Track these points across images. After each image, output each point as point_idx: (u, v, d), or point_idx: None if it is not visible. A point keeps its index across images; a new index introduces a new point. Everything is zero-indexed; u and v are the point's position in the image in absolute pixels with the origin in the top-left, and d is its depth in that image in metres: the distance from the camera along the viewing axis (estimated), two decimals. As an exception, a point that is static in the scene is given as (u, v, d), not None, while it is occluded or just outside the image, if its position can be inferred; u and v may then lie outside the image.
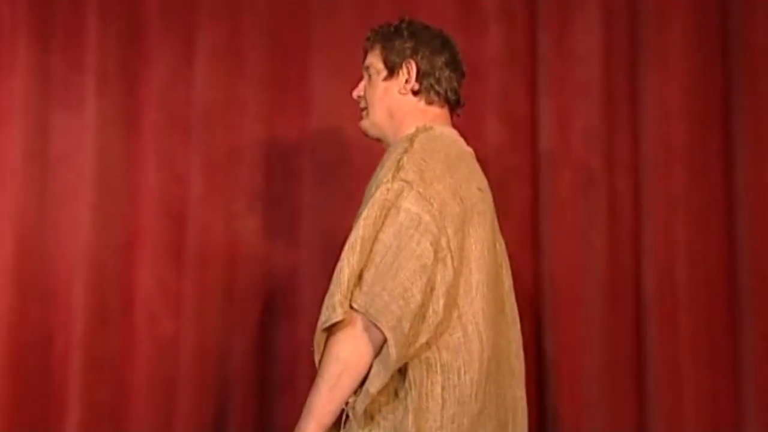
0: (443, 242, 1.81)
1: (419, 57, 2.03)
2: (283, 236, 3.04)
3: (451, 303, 1.83)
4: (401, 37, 2.04)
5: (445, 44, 2.07)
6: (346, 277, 1.78)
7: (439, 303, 1.79)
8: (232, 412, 2.98)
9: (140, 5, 3.08)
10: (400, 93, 2.04)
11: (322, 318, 1.78)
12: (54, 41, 3.04)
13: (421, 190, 1.82)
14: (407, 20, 2.09)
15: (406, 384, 1.83)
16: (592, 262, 2.92)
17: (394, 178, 1.83)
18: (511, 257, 2.92)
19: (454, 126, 2.09)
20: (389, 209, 1.81)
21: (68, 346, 2.97)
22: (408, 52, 2.03)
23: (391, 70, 2.04)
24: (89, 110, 3.01)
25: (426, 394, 1.82)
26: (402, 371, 1.83)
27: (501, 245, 2.07)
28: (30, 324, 2.97)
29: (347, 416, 1.84)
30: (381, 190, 1.83)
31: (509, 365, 2.00)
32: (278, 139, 3.06)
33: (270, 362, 3.00)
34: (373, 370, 1.79)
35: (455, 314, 1.84)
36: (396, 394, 1.84)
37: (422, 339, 1.79)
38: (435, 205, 1.82)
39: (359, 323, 1.78)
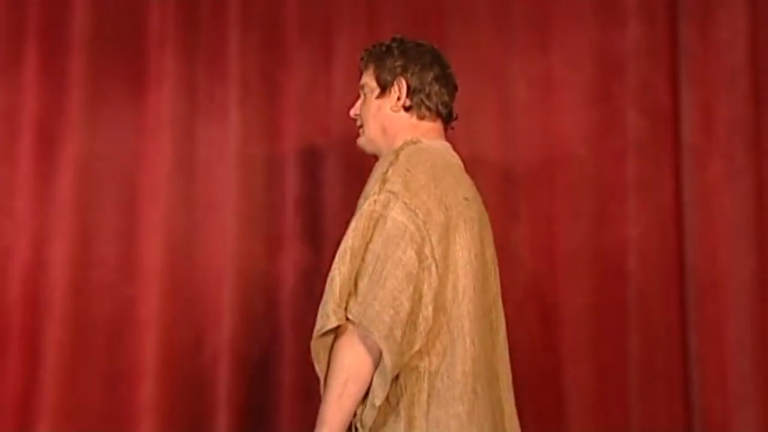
0: (427, 251, 1.85)
1: (409, 74, 2.10)
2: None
3: (440, 308, 1.87)
4: (392, 56, 2.11)
5: (434, 60, 2.13)
6: (337, 287, 1.84)
7: (428, 309, 1.84)
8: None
9: (280, 15, 3.14)
10: (392, 110, 2.11)
11: (317, 326, 1.86)
12: (199, 54, 3.12)
13: (406, 200, 1.87)
14: (398, 39, 2.15)
15: (398, 391, 1.88)
16: (740, 255, 2.85)
17: (380, 190, 1.89)
18: (654, 252, 2.91)
19: (449, 138, 2.16)
20: (377, 220, 1.87)
21: (217, 349, 3.05)
22: (398, 70, 2.10)
23: (383, 88, 2.12)
24: (232, 119, 3.09)
25: (414, 401, 1.87)
26: (394, 379, 1.87)
27: (491, 252, 2.10)
28: (180, 328, 3.05)
29: (356, 428, 1.89)
30: (369, 201, 1.89)
31: (493, 368, 2.03)
32: (416, 141, 3.08)
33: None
34: (374, 382, 1.85)
35: (444, 319, 1.88)
36: (389, 402, 1.89)
37: (416, 346, 1.85)
38: (420, 214, 1.87)
39: (357, 333, 1.84)
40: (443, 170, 1.98)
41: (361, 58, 2.18)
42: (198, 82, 3.12)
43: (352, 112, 2.23)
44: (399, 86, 2.10)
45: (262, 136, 3.11)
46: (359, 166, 3.05)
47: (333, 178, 3.07)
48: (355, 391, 1.84)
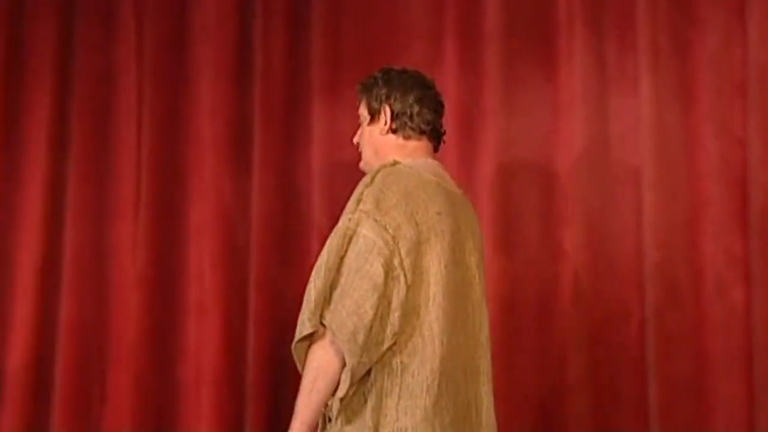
0: (396, 262, 2.07)
1: (392, 101, 2.34)
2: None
3: (411, 313, 2.10)
4: (377, 86, 2.36)
5: (415, 84, 2.36)
6: (312, 297, 2.06)
7: (395, 315, 2.06)
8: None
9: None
10: (381, 134, 2.35)
11: (296, 333, 2.09)
12: (607, 24, 3.18)
13: (377, 218, 2.09)
14: (385, 69, 2.40)
15: (368, 386, 2.10)
16: None
17: (355, 210, 2.11)
18: None
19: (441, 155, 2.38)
20: (351, 237, 2.09)
21: (641, 321, 3.06)
22: (383, 97, 2.35)
23: (372, 116, 2.37)
24: (643, 88, 3.10)
25: (385, 394, 2.09)
26: (368, 375, 2.10)
27: (476, 258, 2.28)
28: (603, 303, 3.10)
29: (328, 418, 2.12)
30: (343, 220, 2.12)
31: (473, 365, 2.23)
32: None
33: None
34: (341, 378, 2.07)
35: (417, 323, 2.11)
36: (364, 396, 2.10)
37: (384, 346, 2.07)
38: (390, 230, 2.08)
39: (328, 336, 2.07)
40: (416, 189, 2.17)
41: (357, 91, 2.43)
42: (607, 53, 3.17)
43: (354, 140, 2.45)
44: (384, 112, 2.34)
45: (675, 99, 3.09)
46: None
47: (750, 134, 2.99)
48: (322, 387, 2.08)
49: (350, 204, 2.15)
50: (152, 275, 3.48)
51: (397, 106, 2.33)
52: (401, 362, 2.10)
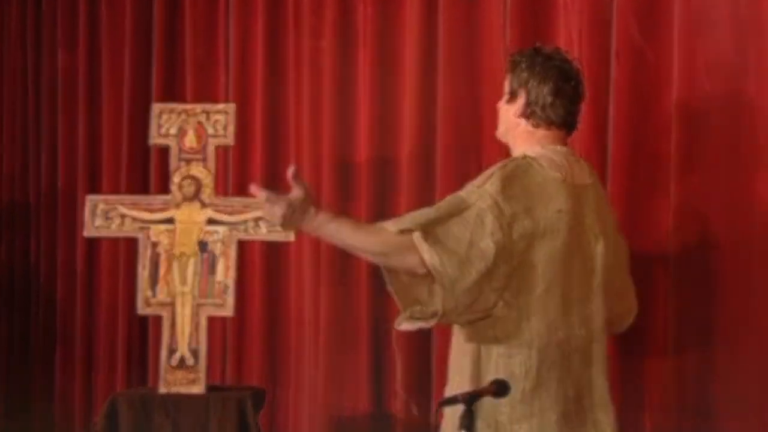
0: (506, 244, 2.23)
1: (528, 87, 2.39)
2: None
3: (518, 295, 2.28)
4: (520, 68, 2.42)
5: (555, 74, 2.38)
6: (417, 216, 2.28)
7: (493, 290, 2.27)
8: None
9: None
10: (514, 115, 2.44)
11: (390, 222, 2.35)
12: None
13: (498, 200, 2.24)
14: (534, 50, 2.45)
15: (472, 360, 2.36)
16: None
17: (482, 185, 2.28)
18: None
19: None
20: (471, 204, 2.25)
21: None
22: (522, 82, 2.40)
23: (511, 95, 2.45)
24: None
25: (483, 372, 2.33)
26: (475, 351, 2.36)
27: (601, 247, 2.37)
28: None
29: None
30: (469, 189, 2.30)
31: (588, 351, 2.37)
32: None
33: None
34: (434, 300, 2.30)
35: (523, 310, 2.29)
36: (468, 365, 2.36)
37: (471, 315, 2.30)
38: (506, 216, 2.24)
39: (426, 255, 2.25)
40: (539, 186, 2.30)
41: (507, 64, 2.49)
42: None
43: (497, 105, 2.52)
44: (520, 96, 2.41)
45: None
46: None
47: None
48: (392, 261, 2.30)
49: (480, 178, 2.31)
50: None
51: (532, 94, 2.39)
52: (508, 352, 2.28)
